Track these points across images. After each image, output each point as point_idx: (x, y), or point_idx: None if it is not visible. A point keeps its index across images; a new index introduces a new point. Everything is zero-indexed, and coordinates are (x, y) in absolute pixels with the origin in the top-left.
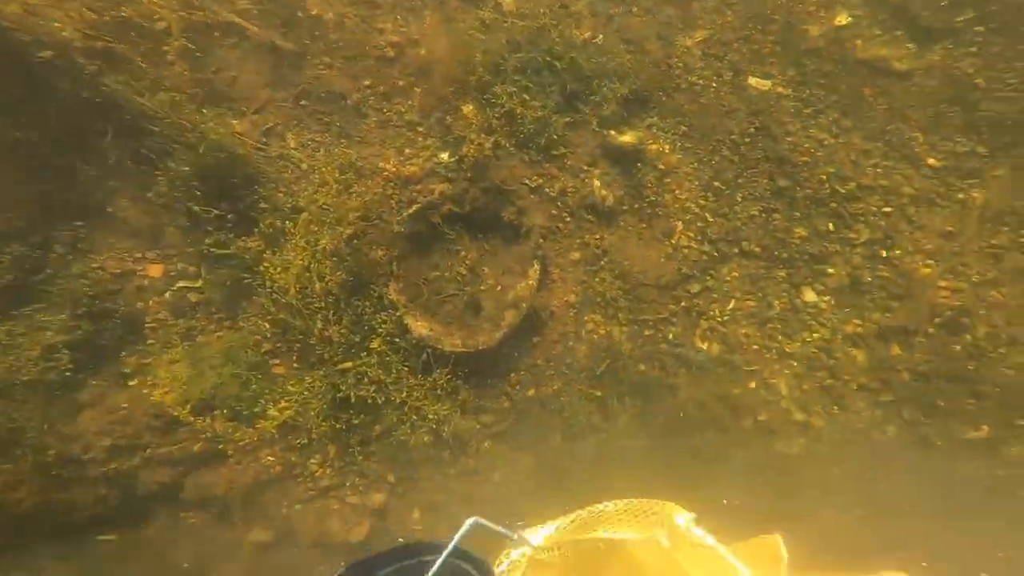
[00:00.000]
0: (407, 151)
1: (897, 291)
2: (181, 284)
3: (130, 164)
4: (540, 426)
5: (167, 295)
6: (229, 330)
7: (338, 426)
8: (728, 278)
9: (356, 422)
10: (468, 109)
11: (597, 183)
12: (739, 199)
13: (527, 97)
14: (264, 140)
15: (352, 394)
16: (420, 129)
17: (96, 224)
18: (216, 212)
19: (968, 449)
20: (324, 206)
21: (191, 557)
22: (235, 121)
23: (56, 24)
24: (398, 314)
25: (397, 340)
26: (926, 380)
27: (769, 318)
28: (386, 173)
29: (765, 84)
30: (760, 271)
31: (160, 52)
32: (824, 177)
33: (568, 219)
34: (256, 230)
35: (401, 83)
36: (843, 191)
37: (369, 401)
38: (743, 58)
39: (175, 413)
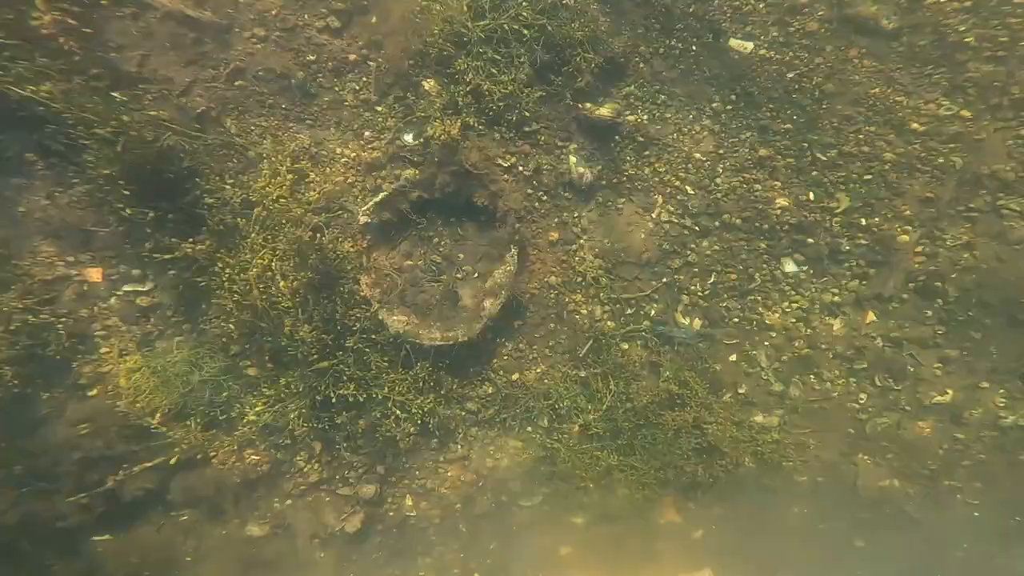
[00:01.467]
0: (367, 134)
1: (875, 258)
2: (127, 288)
3: (35, 159)
4: (526, 410)
5: (112, 301)
6: (190, 334)
7: (320, 426)
8: (709, 252)
9: (339, 420)
10: (430, 85)
11: (573, 159)
12: (720, 171)
13: (495, 71)
14: (198, 127)
15: (332, 393)
16: (379, 109)
17: (10, 226)
18: (153, 215)
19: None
20: (279, 199)
21: (191, 551)
22: (158, 109)
23: None
24: (372, 310)
25: (374, 336)
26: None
27: (749, 290)
28: (345, 159)
29: (746, 46)
30: (741, 244)
31: (32, 28)
32: (806, 145)
33: (545, 198)
34: (204, 228)
35: (352, 57)
36: (824, 159)
37: (350, 399)
38: (724, 17)
39: (144, 423)
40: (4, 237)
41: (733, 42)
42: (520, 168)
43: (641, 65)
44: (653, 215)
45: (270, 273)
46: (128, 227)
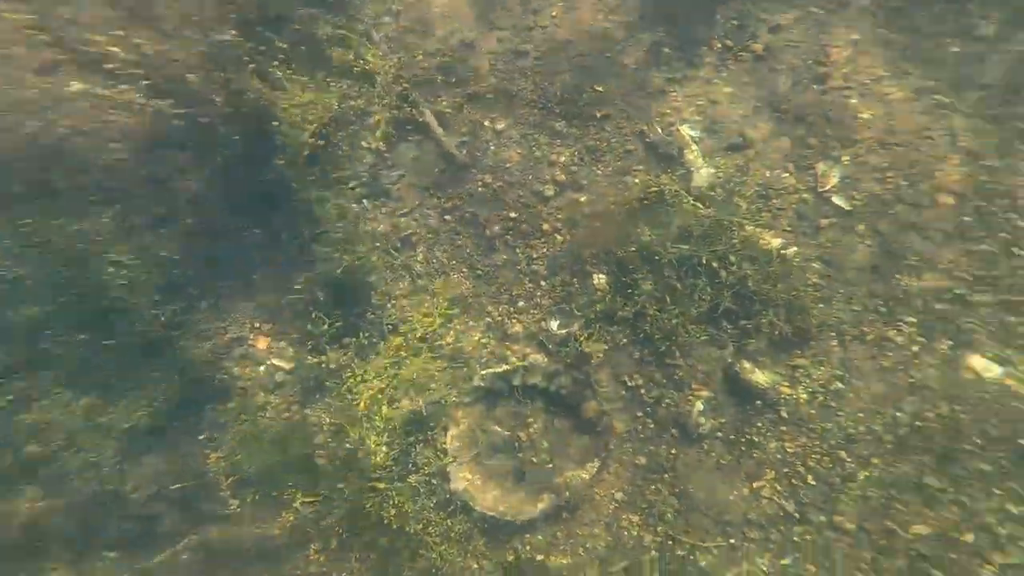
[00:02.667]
0: (520, 304)
1: None
2: (275, 361)
3: (288, 241)
4: None
5: (261, 369)
6: (295, 416)
7: (345, 534)
8: (798, 539)
9: (365, 537)
10: (600, 281)
11: (700, 406)
12: (861, 477)
13: (668, 300)
14: (398, 246)
15: (373, 510)
16: (543, 284)
17: (237, 288)
18: (328, 325)
19: None
20: (420, 338)
21: None
22: (383, 223)
23: (297, 111)
24: (445, 461)
25: (433, 481)
26: None
27: None
28: (489, 320)
29: (992, 370)
30: (842, 546)
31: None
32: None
33: (651, 426)
34: (354, 340)
35: (546, 227)
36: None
37: (385, 521)
38: (979, 328)
39: (218, 480)
40: (230, 297)
41: (975, 360)
42: (642, 392)
43: (834, 344)
44: (754, 485)
45: (380, 397)
46: (308, 322)
